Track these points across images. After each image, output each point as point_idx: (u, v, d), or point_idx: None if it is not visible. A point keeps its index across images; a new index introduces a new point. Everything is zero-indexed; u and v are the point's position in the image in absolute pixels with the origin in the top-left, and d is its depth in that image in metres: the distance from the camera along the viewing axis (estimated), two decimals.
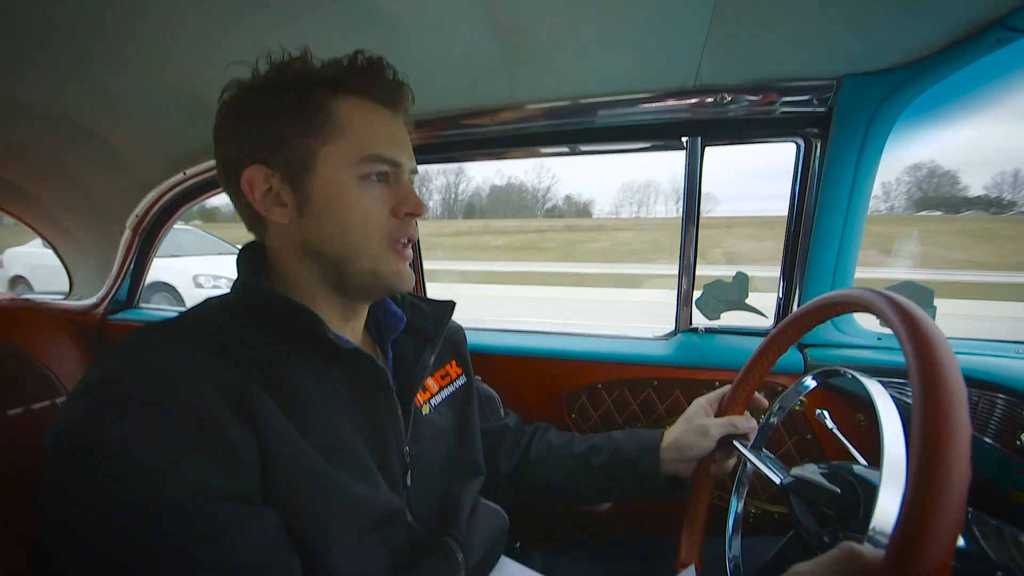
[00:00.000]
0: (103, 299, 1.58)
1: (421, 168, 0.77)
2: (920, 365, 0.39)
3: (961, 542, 0.54)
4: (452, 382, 0.76)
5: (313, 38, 0.60)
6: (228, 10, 0.77)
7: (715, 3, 0.71)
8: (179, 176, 1.31)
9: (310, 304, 0.57)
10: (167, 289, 5.18)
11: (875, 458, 0.56)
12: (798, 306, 0.99)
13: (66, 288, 1.69)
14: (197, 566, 0.42)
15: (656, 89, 0.93)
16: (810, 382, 0.67)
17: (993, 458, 0.76)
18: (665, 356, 1.05)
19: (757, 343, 0.71)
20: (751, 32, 0.77)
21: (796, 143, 0.95)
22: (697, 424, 0.72)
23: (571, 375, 1.10)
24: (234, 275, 0.59)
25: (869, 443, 0.61)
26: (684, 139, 0.99)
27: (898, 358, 0.91)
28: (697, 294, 1.09)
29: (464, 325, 0.85)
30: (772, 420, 0.69)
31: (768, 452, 0.68)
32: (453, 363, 0.78)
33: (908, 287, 0.93)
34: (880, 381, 0.55)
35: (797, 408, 0.95)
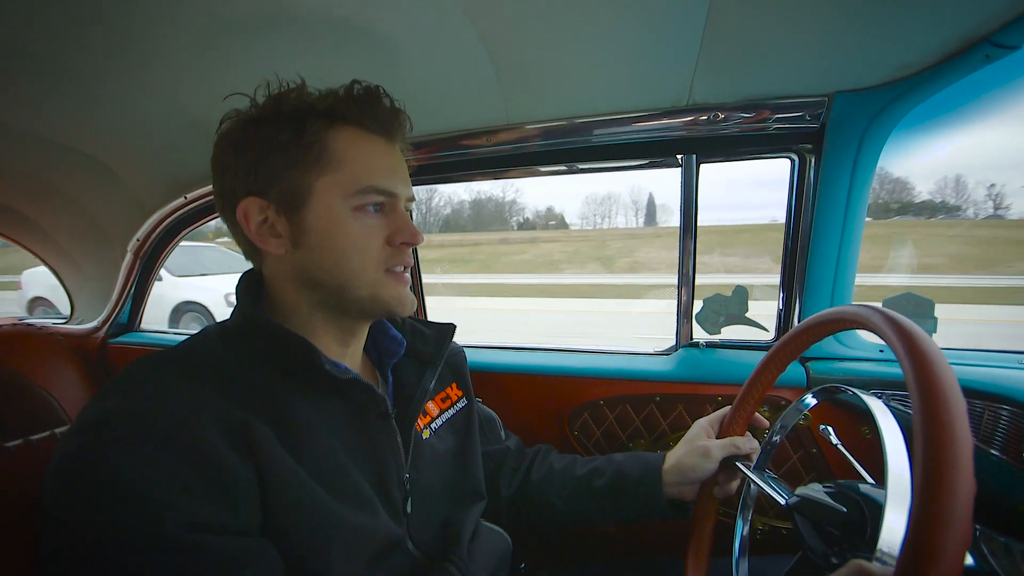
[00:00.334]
0: (104, 323, 1.58)
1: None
2: (918, 383, 0.39)
3: (969, 560, 0.53)
4: (453, 405, 0.76)
5: (311, 65, 0.61)
6: (228, 38, 0.78)
7: (706, 23, 0.72)
8: (180, 200, 1.33)
9: (308, 332, 0.57)
10: (199, 309, 5.19)
11: (881, 473, 0.55)
12: (798, 319, 0.99)
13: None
14: None
15: (650, 108, 0.94)
16: (811, 400, 0.67)
17: (1000, 470, 0.76)
18: (666, 372, 1.05)
19: (758, 357, 0.71)
20: (743, 51, 0.78)
21: (791, 158, 0.96)
22: (698, 445, 0.72)
23: (572, 392, 1.09)
24: None
25: (875, 457, 0.61)
26: (679, 157, 1.00)
27: (900, 371, 0.91)
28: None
29: (464, 344, 0.85)
30: (775, 439, 0.69)
31: (772, 472, 0.67)
32: (454, 386, 0.78)
33: (908, 298, 0.94)
34: (883, 395, 0.55)
35: (801, 423, 0.94)
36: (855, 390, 0.58)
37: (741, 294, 1.07)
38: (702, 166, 1.00)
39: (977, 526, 0.55)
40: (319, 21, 0.75)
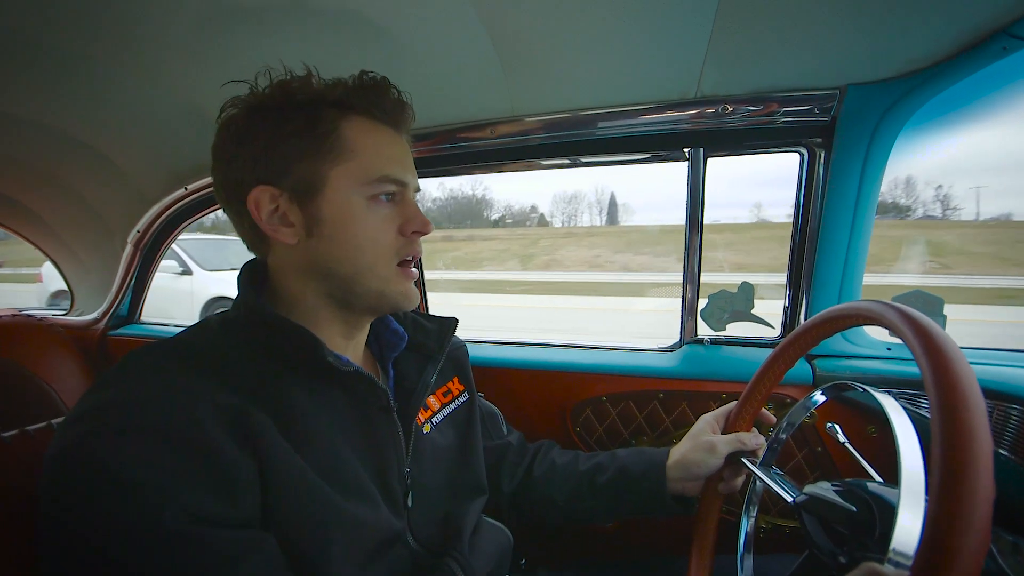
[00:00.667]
0: (104, 314, 1.58)
1: None
2: (937, 380, 0.37)
3: None
4: (454, 399, 0.75)
5: (314, 55, 0.60)
6: (229, 27, 0.77)
7: (717, 14, 0.70)
8: (180, 191, 1.32)
9: (312, 323, 0.57)
10: (231, 304, 5.13)
11: (888, 471, 0.54)
12: (805, 316, 0.98)
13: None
14: None
15: (657, 100, 0.92)
16: (819, 397, 0.66)
17: (1009, 470, 0.75)
18: (670, 368, 1.04)
19: (763, 354, 0.70)
20: (753, 42, 0.77)
21: (800, 153, 0.94)
22: (704, 441, 0.71)
23: (575, 388, 1.09)
24: None
25: (881, 455, 0.60)
26: (686, 150, 0.99)
27: (909, 369, 0.90)
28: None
29: (466, 339, 0.85)
30: (781, 436, 0.68)
31: (778, 469, 0.66)
32: (455, 380, 0.77)
33: (917, 296, 0.92)
34: (892, 394, 0.54)
35: (807, 420, 0.93)
36: (866, 387, 0.57)
37: (747, 291, 1.06)
38: (709, 160, 0.99)
39: None
40: (323, 10, 0.74)
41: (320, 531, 0.49)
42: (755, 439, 0.69)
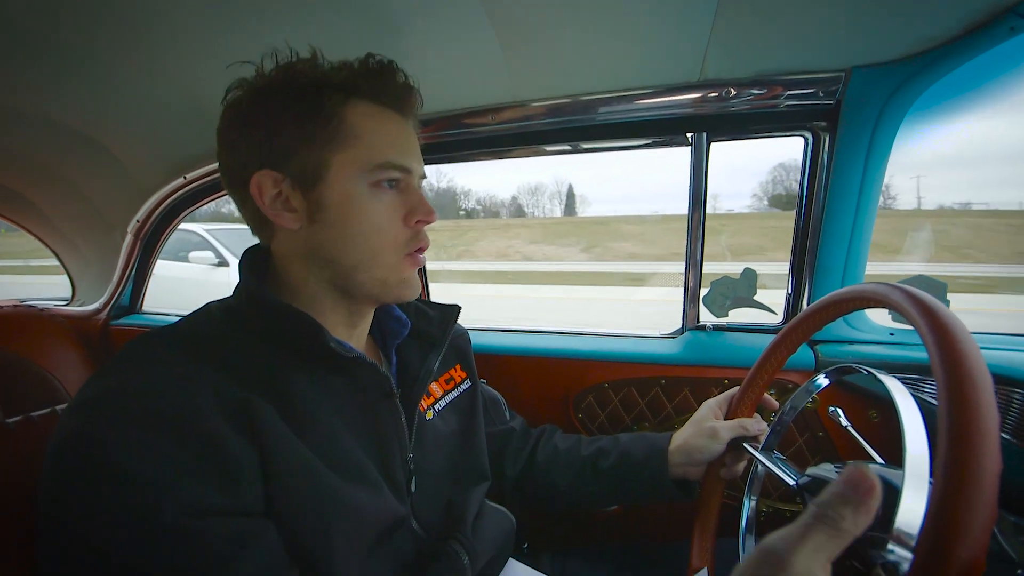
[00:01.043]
0: (106, 305, 1.58)
1: None
2: (944, 358, 0.37)
3: None
4: (457, 386, 0.75)
5: (313, 40, 0.59)
6: (226, 14, 0.76)
7: None
8: (180, 181, 1.31)
9: (314, 310, 0.56)
10: None
11: (890, 456, 0.54)
12: (808, 302, 0.98)
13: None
14: None
15: (660, 85, 0.91)
16: (823, 380, 0.66)
17: (1010, 453, 0.75)
18: (672, 354, 1.04)
19: (766, 340, 0.70)
20: (757, 25, 0.75)
21: (804, 137, 0.93)
22: (706, 427, 0.71)
23: (577, 375, 1.09)
24: None
25: (883, 440, 0.60)
26: (689, 135, 0.98)
27: (911, 353, 0.90)
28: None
29: (468, 326, 0.84)
30: (784, 420, 0.68)
31: (779, 453, 0.67)
32: (458, 367, 0.77)
33: (920, 281, 0.92)
34: (897, 377, 0.54)
35: (809, 405, 0.93)
36: (871, 370, 0.57)
37: (750, 277, 1.06)
38: (713, 145, 0.98)
39: None
40: None
41: (324, 517, 0.49)
42: (757, 425, 0.69)
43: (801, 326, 0.63)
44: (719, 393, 0.78)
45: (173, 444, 0.42)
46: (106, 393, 0.44)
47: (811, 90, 0.86)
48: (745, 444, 0.69)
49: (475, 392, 0.78)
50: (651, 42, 0.81)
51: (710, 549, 0.68)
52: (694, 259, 1.05)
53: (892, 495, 0.46)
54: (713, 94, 0.90)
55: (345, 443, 0.54)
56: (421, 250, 0.60)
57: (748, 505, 0.68)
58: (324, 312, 0.58)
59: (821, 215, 0.92)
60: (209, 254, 5.30)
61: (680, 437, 0.74)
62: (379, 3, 0.74)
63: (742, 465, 0.72)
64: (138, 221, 1.41)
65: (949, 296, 0.91)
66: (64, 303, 1.69)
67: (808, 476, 0.58)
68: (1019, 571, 0.50)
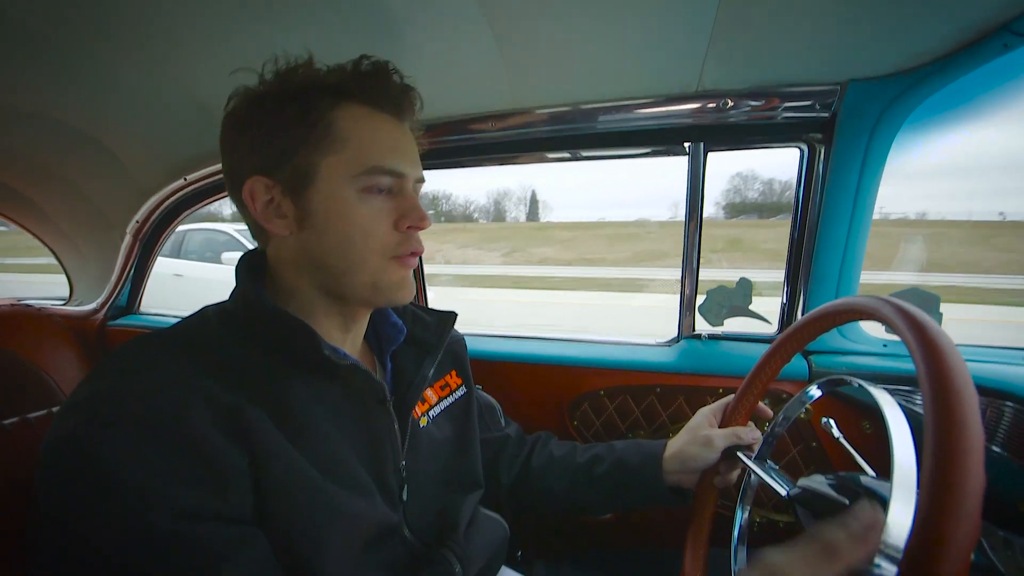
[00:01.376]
0: (103, 305, 1.57)
1: None
2: (931, 373, 0.38)
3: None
4: (452, 392, 0.75)
5: (314, 44, 0.59)
6: (230, 16, 0.77)
7: (718, 8, 0.70)
8: (180, 182, 1.31)
9: (309, 316, 0.56)
10: None
11: (883, 467, 0.55)
12: (802, 312, 0.98)
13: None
14: None
15: (658, 94, 0.92)
16: (815, 391, 0.66)
17: (1001, 466, 0.75)
18: (668, 363, 1.05)
19: (761, 349, 0.70)
20: (755, 37, 0.76)
21: (800, 148, 0.94)
22: (701, 435, 0.71)
23: (573, 382, 1.09)
24: None
25: (875, 451, 0.60)
26: (687, 144, 0.99)
27: (904, 365, 0.90)
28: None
29: (465, 332, 0.85)
30: (777, 430, 0.68)
31: (773, 463, 0.67)
32: (453, 373, 0.77)
33: (913, 293, 0.93)
34: (887, 389, 0.54)
35: (802, 416, 0.94)
36: (861, 382, 0.58)
37: (745, 286, 1.06)
38: (710, 155, 0.99)
39: None
40: (323, 0, 0.74)
41: (316, 523, 0.49)
42: (751, 433, 0.69)
43: (795, 337, 0.64)
44: (714, 402, 0.78)
45: (165, 449, 0.42)
46: (100, 396, 0.44)
47: (808, 102, 0.87)
48: (739, 453, 0.69)
49: (470, 398, 0.78)
50: (649, 52, 0.82)
51: (703, 558, 0.69)
52: (690, 267, 1.05)
53: (881, 507, 0.46)
54: (711, 104, 0.91)
55: (338, 450, 0.54)
56: (415, 255, 0.59)
57: (741, 515, 0.68)
58: (318, 317, 0.58)
59: (816, 226, 0.92)
60: (238, 255, 5.37)
61: (675, 445, 0.74)
62: (381, 7, 0.75)
63: (736, 473, 0.72)
64: (137, 222, 1.41)
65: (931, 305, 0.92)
66: (61, 303, 1.68)
67: (799, 487, 0.58)
68: None
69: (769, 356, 0.67)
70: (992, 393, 0.78)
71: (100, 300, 1.58)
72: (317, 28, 0.79)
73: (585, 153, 1.07)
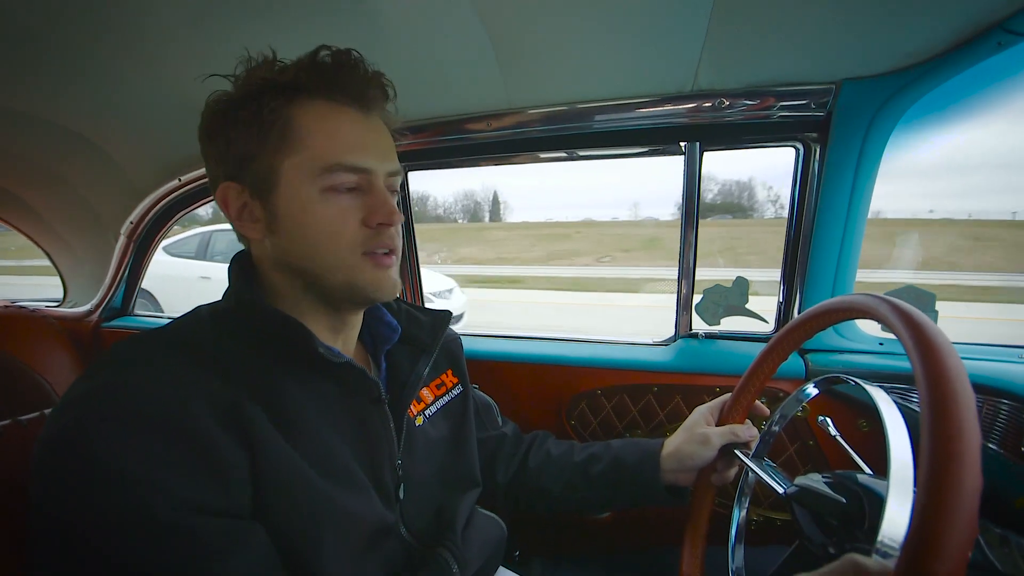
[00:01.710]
0: (97, 306, 1.56)
1: None
2: (927, 372, 0.38)
3: None
4: (448, 392, 0.75)
5: (305, 43, 0.59)
6: (220, 14, 0.76)
7: (713, 8, 0.70)
8: (174, 183, 1.31)
9: (298, 316, 0.56)
10: None
11: (879, 465, 0.55)
12: (798, 311, 0.98)
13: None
14: None
15: (654, 94, 0.92)
16: (812, 390, 0.66)
17: (997, 464, 0.76)
18: (665, 362, 1.05)
19: (757, 348, 0.70)
20: (749, 37, 0.76)
21: (795, 147, 0.94)
22: (698, 433, 0.71)
23: (570, 381, 1.09)
24: None
25: (872, 449, 0.60)
26: (682, 144, 0.99)
27: (900, 363, 0.90)
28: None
29: (461, 332, 0.84)
30: (774, 428, 0.68)
31: (770, 461, 0.67)
32: (449, 372, 0.77)
33: (909, 291, 0.93)
34: (883, 387, 0.54)
35: (799, 414, 0.94)
36: (858, 380, 0.58)
37: (741, 285, 1.06)
38: (705, 154, 0.99)
39: None
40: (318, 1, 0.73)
41: (312, 522, 0.49)
42: (748, 431, 0.69)
43: (791, 335, 0.64)
44: (711, 400, 0.78)
45: (162, 442, 0.42)
46: (94, 391, 0.44)
47: (803, 101, 0.87)
48: (736, 451, 0.69)
49: (466, 397, 0.77)
50: (644, 52, 0.82)
51: (701, 556, 0.68)
52: (687, 267, 1.05)
53: (878, 506, 0.46)
54: (707, 104, 0.91)
55: (334, 448, 0.53)
56: (390, 253, 0.56)
57: (739, 513, 0.68)
58: (307, 317, 0.57)
59: (812, 225, 0.93)
60: None
61: (672, 443, 0.74)
62: (376, 7, 0.75)
63: (733, 471, 0.72)
64: (131, 223, 1.41)
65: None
66: (55, 304, 1.67)
67: (796, 486, 0.58)
68: None
69: (766, 354, 0.68)
70: (989, 391, 0.78)
71: (94, 302, 1.57)
72: (312, 28, 0.78)
73: (582, 152, 1.07)
